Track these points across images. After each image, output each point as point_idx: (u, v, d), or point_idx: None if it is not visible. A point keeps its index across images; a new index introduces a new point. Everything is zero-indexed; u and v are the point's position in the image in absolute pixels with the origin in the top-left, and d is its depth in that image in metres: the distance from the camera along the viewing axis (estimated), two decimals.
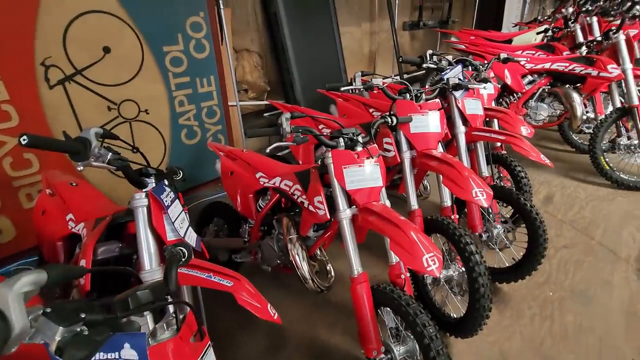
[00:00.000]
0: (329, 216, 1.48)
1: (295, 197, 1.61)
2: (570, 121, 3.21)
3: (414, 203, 1.83)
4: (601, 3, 4.01)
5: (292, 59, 3.61)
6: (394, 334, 1.43)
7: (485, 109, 2.18)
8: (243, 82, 3.66)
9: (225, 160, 1.98)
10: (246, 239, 1.94)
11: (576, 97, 3.10)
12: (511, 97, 3.39)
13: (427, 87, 2.24)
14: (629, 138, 3.03)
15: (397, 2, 4.82)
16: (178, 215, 1.13)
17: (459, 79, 2.07)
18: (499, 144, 2.48)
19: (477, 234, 2.00)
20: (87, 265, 1.04)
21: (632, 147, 3.01)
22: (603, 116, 3.03)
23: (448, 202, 1.93)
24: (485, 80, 2.21)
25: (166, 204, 1.08)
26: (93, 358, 0.67)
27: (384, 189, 1.49)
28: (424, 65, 2.29)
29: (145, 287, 0.74)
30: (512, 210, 2.02)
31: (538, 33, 4.20)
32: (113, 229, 1.20)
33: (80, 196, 1.47)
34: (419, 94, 1.90)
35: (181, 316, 0.88)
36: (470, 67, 2.29)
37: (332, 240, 1.71)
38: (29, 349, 0.62)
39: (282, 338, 1.82)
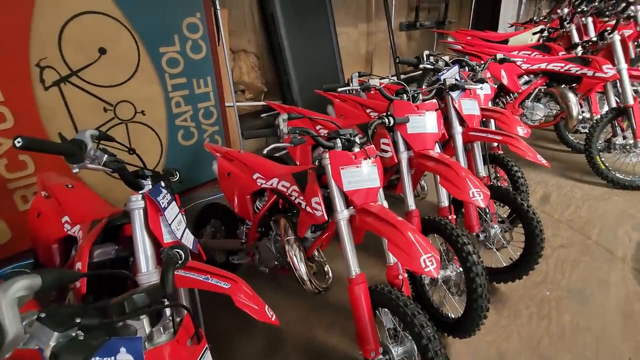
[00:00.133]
0: (326, 217, 1.47)
1: (293, 198, 1.61)
2: (566, 121, 3.23)
3: (411, 203, 1.83)
4: (596, 4, 4.04)
5: (289, 59, 3.61)
6: (392, 334, 1.43)
7: (482, 109, 2.19)
8: (240, 83, 3.65)
9: (222, 161, 1.97)
10: (243, 241, 1.94)
11: (572, 97, 3.12)
12: (508, 97, 3.40)
13: (424, 87, 2.24)
14: (624, 138, 3.05)
15: (393, 2, 4.83)
16: (175, 217, 1.12)
17: (456, 80, 2.08)
18: (495, 144, 2.49)
19: (474, 234, 2.00)
20: (83, 268, 1.03)
21: (628, 147, 3.02)
22: (599, 116, 3.05)
23: (445, 203, 1.93)
24: (482, 81, 2.21)
25: (163, 206, 1.07)
26: None
27: (381, 190, 1.49)
28: (421, 66, 2.30)
29: (142, 290, 0.73)
30: (509, 210, 2.02)
31: (534, 33, 4.23)
32: (109, 231, 1.19)
33: (76, 198, 1.46)
34: (416, 95, 1.90)
35: (178, 319, 0.88)
36: (466, 68, 2.29)
37: (330, 241, 1.71)
38: (23, 355, 0.62)
39: (280, 340, 1.82)
